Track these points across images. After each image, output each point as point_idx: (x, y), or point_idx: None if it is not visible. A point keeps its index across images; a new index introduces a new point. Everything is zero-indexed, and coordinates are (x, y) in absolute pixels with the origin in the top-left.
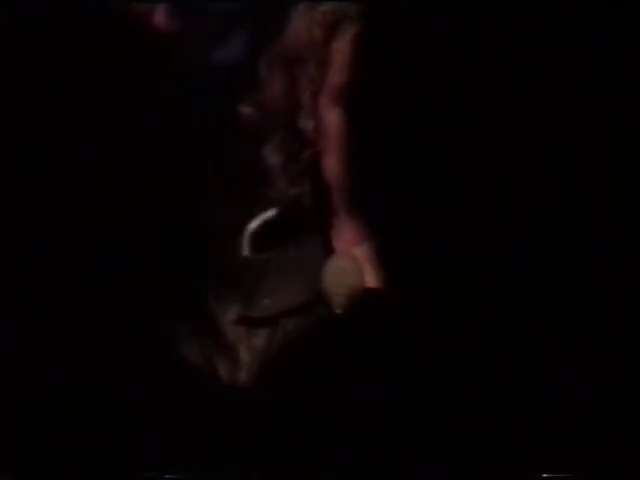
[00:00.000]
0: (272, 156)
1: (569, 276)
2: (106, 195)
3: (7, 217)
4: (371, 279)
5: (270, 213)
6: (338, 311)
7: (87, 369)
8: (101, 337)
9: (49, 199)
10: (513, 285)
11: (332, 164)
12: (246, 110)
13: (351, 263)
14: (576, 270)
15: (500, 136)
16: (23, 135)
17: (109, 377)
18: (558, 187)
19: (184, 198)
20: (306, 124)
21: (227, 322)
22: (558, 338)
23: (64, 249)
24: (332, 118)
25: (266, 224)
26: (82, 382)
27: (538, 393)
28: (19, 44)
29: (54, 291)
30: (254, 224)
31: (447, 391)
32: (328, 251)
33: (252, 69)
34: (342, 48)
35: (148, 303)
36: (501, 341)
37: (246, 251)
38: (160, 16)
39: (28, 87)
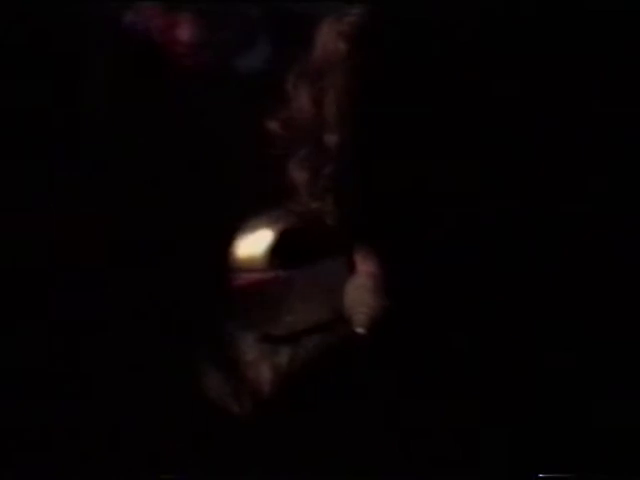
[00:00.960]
0: (296, 171)
1: (585, 285)
2: (123, 210)
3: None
4: (392, 298)
5: (291, 229)
6: (359, 330)
7: (93, 370)
8: (111, 343)
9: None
10: (541, 303)
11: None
12: (272, 126)
13: (372, 281)
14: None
15: (528, 149)
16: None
17: (117, 381)
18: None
19: (204, 212)
20: (331, 139)
21: (249, 339)
22: (561, 339)
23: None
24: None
25: (287, 240)
26: (86, 383)
27: (538, 395)
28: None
29: (64, 297)
30: (276, 240)
31: (459, 403)
32: (350, 268)
33: (277, 81)
34: (367, 61)
35: (167, 317)
36: (515, 349)
37: (268, 268)
38: (186, 24)
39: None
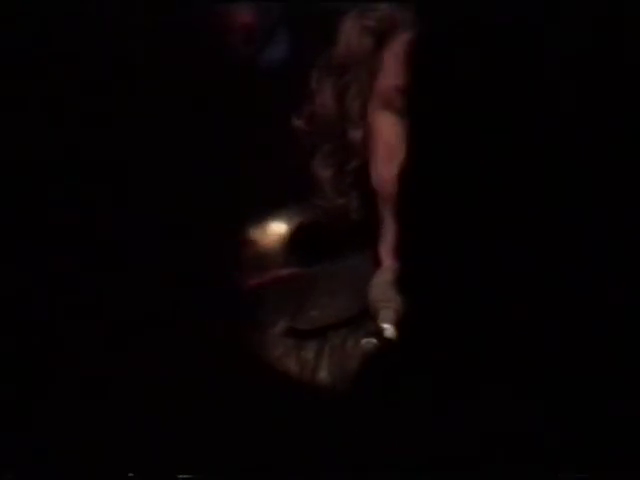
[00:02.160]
0: (321, 167)
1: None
2: (154, 198)
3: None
4: (417, 293)
5: (311, 224)
6: (384, 325)
7: (108, 370)
8: (132, 335)
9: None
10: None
11: (381, 173)
12: (297, 122)
13: (397, 276)
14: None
15: (574, 150)
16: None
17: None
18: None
19: (231, 206)
20: (355, 134)
21: (276, 333)
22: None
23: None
24: (382, 125)
25: (313, 235)
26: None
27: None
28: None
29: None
30: (301, 235)
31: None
32: (375, 264)
33: (301, 77)
34: (395, 53)
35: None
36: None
37: (293, 263)
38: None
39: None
